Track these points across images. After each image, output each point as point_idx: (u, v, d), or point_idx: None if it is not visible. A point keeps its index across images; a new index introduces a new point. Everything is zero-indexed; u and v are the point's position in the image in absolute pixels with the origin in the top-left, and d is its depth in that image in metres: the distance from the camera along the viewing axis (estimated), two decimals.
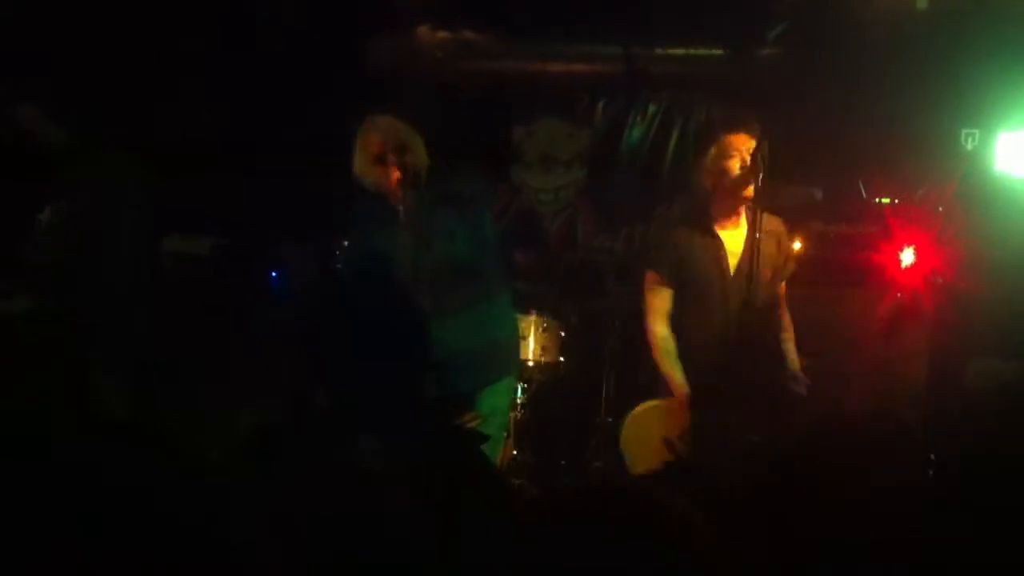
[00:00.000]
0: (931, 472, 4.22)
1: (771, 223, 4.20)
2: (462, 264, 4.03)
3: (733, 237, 4.18)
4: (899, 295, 4.39)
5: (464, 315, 4.04)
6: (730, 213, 4.15)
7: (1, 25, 4.92)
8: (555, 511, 1.77)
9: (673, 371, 4.11)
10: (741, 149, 4.02)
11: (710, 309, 4.16)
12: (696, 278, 4.18)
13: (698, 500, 2.12)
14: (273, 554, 1.98)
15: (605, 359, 5.70)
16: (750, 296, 4.02)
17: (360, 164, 4.08)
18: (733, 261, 4.15)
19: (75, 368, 3.90)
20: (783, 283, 4.28)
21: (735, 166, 4.03)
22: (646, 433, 4.14)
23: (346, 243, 4.44)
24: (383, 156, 4.03)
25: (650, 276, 4.25)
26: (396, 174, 4.00)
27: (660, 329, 4.18)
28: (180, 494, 2.12)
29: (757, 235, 4.05)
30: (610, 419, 5.53)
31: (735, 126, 4.06)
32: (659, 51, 6.34)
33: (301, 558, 1.98)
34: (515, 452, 5.38)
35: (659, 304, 4.20)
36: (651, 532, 1.67)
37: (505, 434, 5.30)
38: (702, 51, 6.27)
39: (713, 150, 4.09)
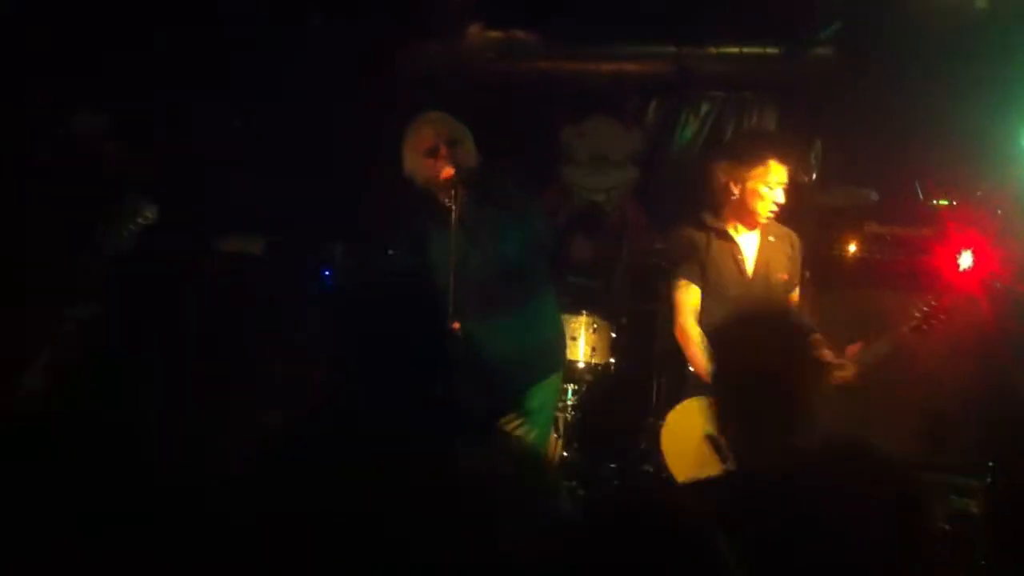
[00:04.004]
0: (988, 478, 4.18)
1: (780, 229, 4.39)
2: (511, 264, 4.02)
3: (748, 240, 4.35)
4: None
5: (512, 315, 4.03)
6: (746, 219, 4.31)
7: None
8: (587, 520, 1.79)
9: (709, 364, 4.13)
10: (779, 176, 4.20)
11: (730, 310, 4.21)
12: (714, 280, 4.29)
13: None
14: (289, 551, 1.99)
15: (655, 360, 5.67)
16: (768, 297, 4.22)
17: (411, 160, 4.06)
18: (749, 263, 4.32)
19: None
20: (798, 287, 4.42)
21: (768, 189, 4.21)
22: (687, 431, 4.19)
23: (393, 242, 4.43)
24: (434, 150, 4.00)
25: (677, 276, 4.38)
26: (448, 170, 3.98)
27: (693, 328, 4.28)
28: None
29: (770, 239, 4.32)
30: (660, 421, 5.51)
31: (775, 154, 4.23)
32: (711, 50, 6.29)
33: (312, 557, 1.99)
34: (564, 453, 5.37)
35: (687, 302, 4.33)
36: (671, 548, 1.68)
37: (555, 436, 5.31)
38: (755, 50, 6.21)
39: (754, 171, 4.23)
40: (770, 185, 4.22)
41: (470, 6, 6.30)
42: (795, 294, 4.40)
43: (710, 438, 4.11)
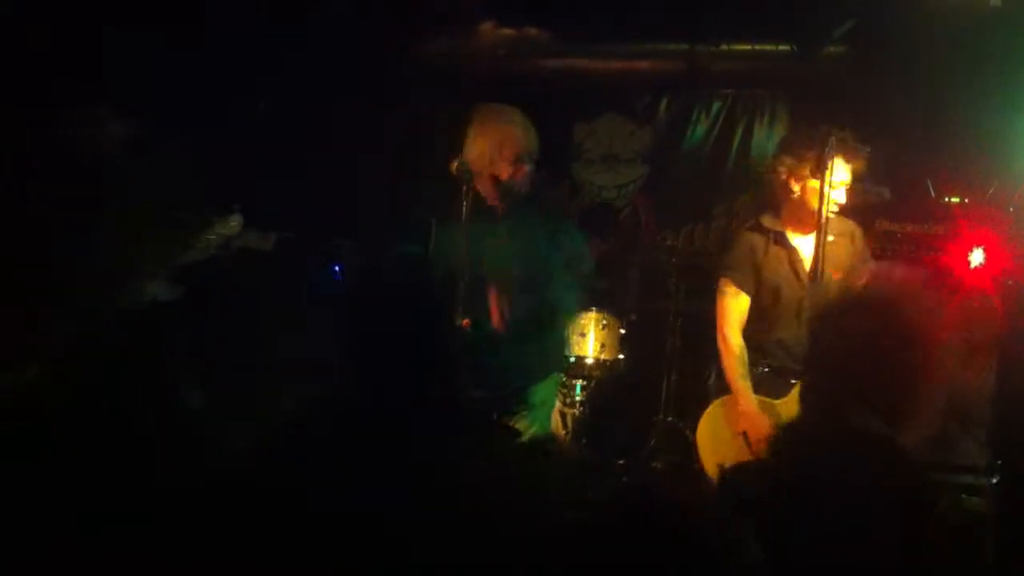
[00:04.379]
0: (997, 477, 4.16)
1: (843, 224, 4.21)
2: (536, 271, 4.03)
3: (806, 242, 4.19)
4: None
5: (524, 318, 4.04)
6: (805, 220, 4.15)
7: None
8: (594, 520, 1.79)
9: (743, 384, 4.12)
10: (841, 174, 4.04)
11: (786, 315, 4.16)
12: (772, 285, 4.17)
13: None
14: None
15: (665, 357, 5.67)
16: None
17: (482, 152, 4.01)
18: (807, 266, 4.17)
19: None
20: (862, 282, 4.26)
21: (829, 188, 4.00)
22: (720, 428, 4.18)
23: (405, 232, 4.42)
24: (518, 159, 3.99)
25: (725, 283, 4.24)
26: (519, 176, 3.98)
27: (735, 339, 4.17)
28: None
29: (830, 238, 4.08)
30: (669, 418, 5.51)
31: (840, 152, 4.03)
32: (723, 48, 6.29)
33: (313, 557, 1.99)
34: (571, 450, 5.36)
35: (735, 312, 4.20)
36: (679, 545, 1.68)
37: (564, 432, 5.32)
38: (767, 48, 6.21)
39: (809, 167, 4.05)
40: (832, 184, 4.04)
41: (482, 3, 6.31)
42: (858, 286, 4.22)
43: (746, 435, 4.12)
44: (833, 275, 4.13)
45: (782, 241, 4.22)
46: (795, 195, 4.15)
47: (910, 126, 5.43)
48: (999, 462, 4.33)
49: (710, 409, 4.25)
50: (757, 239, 4.25)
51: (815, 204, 4.06)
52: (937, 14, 5.24)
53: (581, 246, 4.24)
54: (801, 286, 4.19)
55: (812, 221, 4.12)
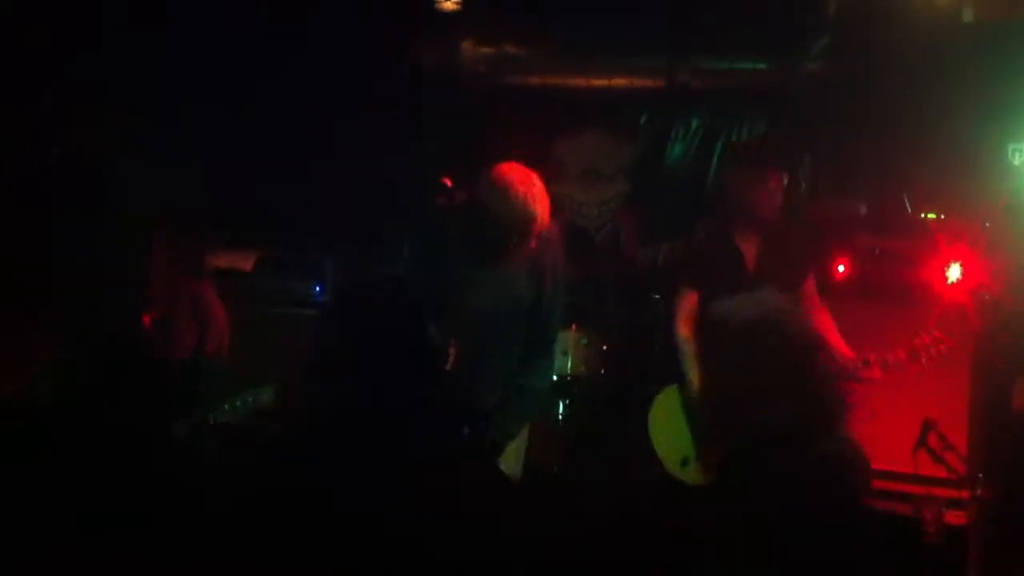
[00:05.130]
0: (977, 491, 4.17)
1: (784, 230, 4.45)
2: (527, 312, 4.03)
3: (750, 245, 4.45)
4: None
5: (507, 353, 4.03)
6: (750, 223, 4.40)
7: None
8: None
9: (689, 371, 4.44)
10: (766, 181, 4.33)
11: (726, 312, 4.26)
12: (717, 284, 4.29)
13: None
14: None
15: (648, 373, 5.66)
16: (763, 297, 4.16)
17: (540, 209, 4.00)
18: (749, 267, 4.42)
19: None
20: (806, 284, 4.47)
21: (757, 195, 4.34)
22: (672, 415, 4.46)
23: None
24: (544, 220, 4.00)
25: (679, 281, 4.59)
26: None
27: (682, 331, 4.49)
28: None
29: (771, 241, 4.40)
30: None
31: (762, 161, 4.39)
32: (702, 64, 6.32)
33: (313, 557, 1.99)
34: (555, 468, 5.36)
35: (683, 308, 4.52)
36: (661, 556, 1.69)
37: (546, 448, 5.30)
38: (746, 64, 6.24)
39: (738, 179, 4.41)
40: (770, 190, 4.33)
41: (463, 20, 6.32)
42: (802, 292, 4.43)
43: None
44: (777, 277, 4.28)
45: (727, 240, 4.43)
46: (737, 200, 4.40)
47: (886, 142, 5.48)
48: (980, 475, 4.34)
49: (661, 395, 4.54)
50: (708, 240, 4.52)
51: (757, 209, 4.35)
52: (912, 31, 5.28)
53: (561, 289, 4.27)
54: (745, 284, 4.31)
55: (755, 224, 4.39)
